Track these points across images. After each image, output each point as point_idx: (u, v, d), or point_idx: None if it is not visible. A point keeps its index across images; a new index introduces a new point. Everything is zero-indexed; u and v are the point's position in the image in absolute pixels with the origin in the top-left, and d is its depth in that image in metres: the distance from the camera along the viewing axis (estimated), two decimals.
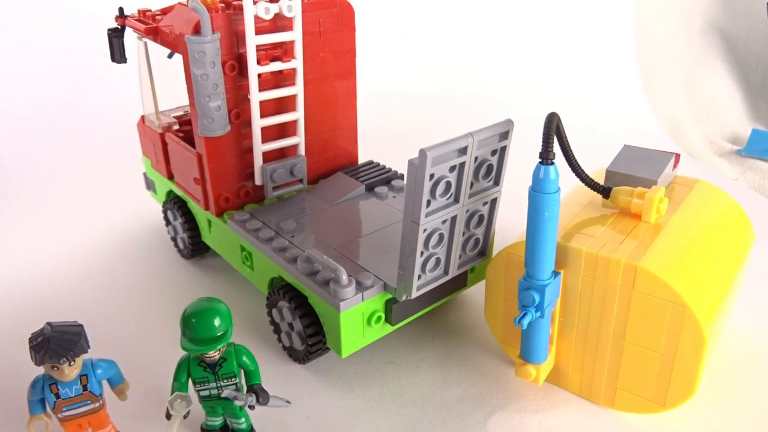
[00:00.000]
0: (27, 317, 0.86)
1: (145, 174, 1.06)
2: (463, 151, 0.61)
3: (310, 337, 0.72)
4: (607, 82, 1.59)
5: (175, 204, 0.96)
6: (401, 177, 0.94)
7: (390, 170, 0.95)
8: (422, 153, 0.58)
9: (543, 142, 0.59)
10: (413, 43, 1.79)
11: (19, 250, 1.04)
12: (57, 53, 1.60)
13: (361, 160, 0.99)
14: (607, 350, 0.67)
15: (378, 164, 0.97)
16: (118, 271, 0.97)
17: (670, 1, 1.65)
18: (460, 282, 0.78)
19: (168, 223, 1.01)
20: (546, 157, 0.59)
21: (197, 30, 0.73)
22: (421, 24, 1.81)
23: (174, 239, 1.01)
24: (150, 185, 1.06)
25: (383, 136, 1.33)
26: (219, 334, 0.59)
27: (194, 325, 0.58)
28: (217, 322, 0.59)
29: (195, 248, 0.96)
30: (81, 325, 0.59)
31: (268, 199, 0.89)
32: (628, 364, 0.66)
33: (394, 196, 0.89)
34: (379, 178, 0.92)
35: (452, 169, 0.62)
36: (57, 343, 0.56)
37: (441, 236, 0.66)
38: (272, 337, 0.81)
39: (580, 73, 1.64)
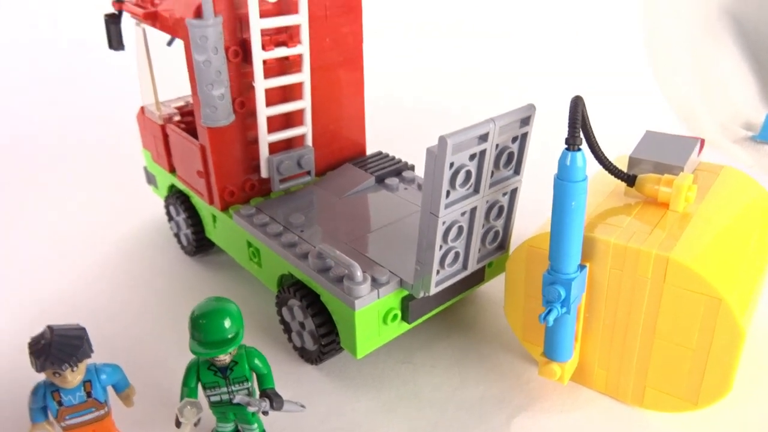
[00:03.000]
0: (27, 319, 0.82)
1: (145, 168, 1.03)
2: (484, 137, 0.58)
3: (323, 336, 0.69)
4: (617, 69, 1.56)
5: (177, 199, 0.92)
6: (412, 168, 0.91)
7: (400, 161, 0.91)
8: (442, 140, 0.54)
9: (569, 126, 0.56)
10: (423, 32, 1.75)
11: (18, 250, 1.00)
12: (50, 41, 1.55)
13: (369, 152, 0.96)
14: (635, 347, 0.64)
15: (387, 155, 0.94)
16: (119, 270, 0.94)
17: None
18: (477, 277, 0.75)
19: (170, 218, 0.97)
20: (573, 143, 0.56)
21: (198, 13, 0.69)
22: (433, 15, 1.77)
23: (177, 235, 0.97)
24: (151, 179, 1.02)
25: (391, 127, 1.29)
26: (230, 336, 0.55)
27: (203, 326, 0.55)
28: (227, 323, 0.55)
29: (199, 245, 0.93)
30: (83, 329, 0.56)
31: (275, 193, 0.85)
32: (658, 361, 0.63)
33: (406, 188, 0.86)
34: (389, 169, 0.89)
35: (472, 157, 0.59)
36: (58, 348, 0.53)
37: (460, 229, 0.63)
38: (282, 337, 0.78)
39: (588, 61, 1.60)
